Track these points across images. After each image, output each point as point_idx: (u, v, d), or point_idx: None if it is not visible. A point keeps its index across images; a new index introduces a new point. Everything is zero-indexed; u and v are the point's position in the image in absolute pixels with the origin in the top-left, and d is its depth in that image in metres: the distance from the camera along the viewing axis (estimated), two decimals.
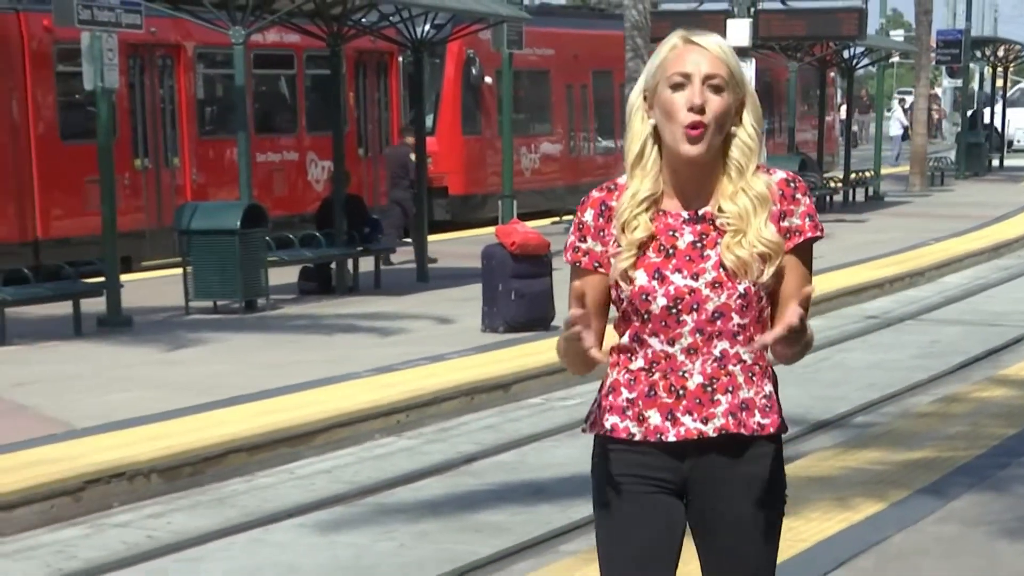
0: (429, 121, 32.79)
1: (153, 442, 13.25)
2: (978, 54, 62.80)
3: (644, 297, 4.61)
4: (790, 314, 4.45)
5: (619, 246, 4.66)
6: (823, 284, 25.10)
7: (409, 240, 29.07)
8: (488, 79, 36.62)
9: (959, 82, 64.63)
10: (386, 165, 29.88)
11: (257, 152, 27.45)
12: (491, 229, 27.05)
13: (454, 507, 12.23)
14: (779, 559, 9.33)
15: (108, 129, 21.19)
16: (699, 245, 4.62)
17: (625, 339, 4.75)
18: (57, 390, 15.76)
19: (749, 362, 4.67)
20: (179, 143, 29.70)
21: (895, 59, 58.11)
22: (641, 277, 4.61)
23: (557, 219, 35.03)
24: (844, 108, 52.50)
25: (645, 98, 4.63)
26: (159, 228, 27.79)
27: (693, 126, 4.48)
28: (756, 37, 35.44)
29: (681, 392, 4.63)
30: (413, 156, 28.53)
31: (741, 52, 35.84)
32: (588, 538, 8.65)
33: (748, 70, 35.90)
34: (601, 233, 4.72)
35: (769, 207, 4.60)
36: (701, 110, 4.47)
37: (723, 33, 36.29)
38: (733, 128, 4.59)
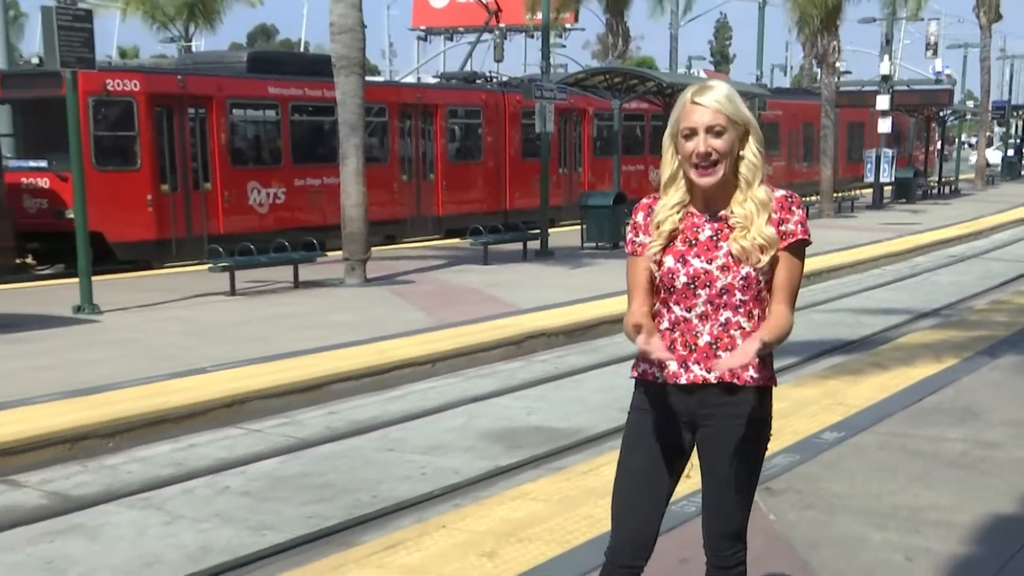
0: None
1: (562, 317, 13.04)
2: (1016, 113, 61.18)
3: (671, 276, 3.62)
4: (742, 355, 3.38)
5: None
6: (925, 238, 23.96)
7: None
8: None
9: (1004, 128, 63.37)
10: None
11: (623, 165, 26.92)
12: None
13: None
14: (906, 386, 8.90)
15: (547, 153, 21.29)
16: (715, 238, 3.61)
17: (658, 306, 3.73)
18: (511, 288, 15.68)
19: (748, 329, 3.59)
20: (582, 159, 29.59)
21: (968, 116, 55.83)
22: (669, 261, 3.62)
23: None
24: (939, 143, 50.24)
25: (673, 140, 3.65)
26: (570, 204, 27.59)
27: (700, 167, 3.55)
28: (892, 104, 34.24)
29: (693, 347, 3.57)
30: None
31: (883, 113, 34.11)
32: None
33: (885, 122, 34.08)
34: (648, 229, 3.71)
35: (769, 210, 3.58)
36: (705, 156, 3.54)
37: (874, 104, 34.65)
38: (740, 152, 3.59)
